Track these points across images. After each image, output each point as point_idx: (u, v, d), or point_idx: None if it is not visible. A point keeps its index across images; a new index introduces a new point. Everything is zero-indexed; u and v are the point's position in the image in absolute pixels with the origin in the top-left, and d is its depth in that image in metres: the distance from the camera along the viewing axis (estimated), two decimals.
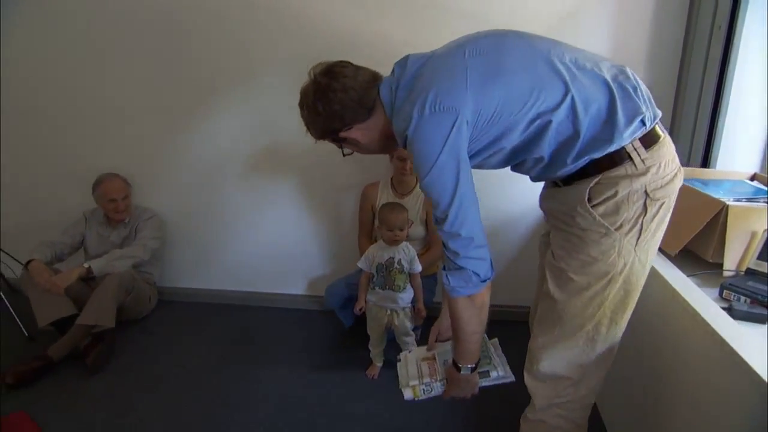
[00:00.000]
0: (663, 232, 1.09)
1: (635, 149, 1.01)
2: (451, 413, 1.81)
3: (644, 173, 1.01)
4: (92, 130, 2.55)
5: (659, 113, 1.06)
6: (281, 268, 2.64)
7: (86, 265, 2.23)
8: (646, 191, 1.02)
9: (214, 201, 2.58)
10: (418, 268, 1.95)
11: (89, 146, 2.59)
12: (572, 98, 1.00)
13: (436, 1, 2.08)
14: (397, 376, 1.38)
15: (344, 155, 1.28)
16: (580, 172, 1.06)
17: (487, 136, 1.05)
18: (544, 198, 1.24)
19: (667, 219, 1.08)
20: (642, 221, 1.03)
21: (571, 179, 1.09)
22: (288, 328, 2.50)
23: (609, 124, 1.00)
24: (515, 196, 2.30)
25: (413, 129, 1.03)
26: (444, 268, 1.11)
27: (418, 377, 1.34)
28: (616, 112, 1.00)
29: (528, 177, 1.20)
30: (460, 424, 1.78)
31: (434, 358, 1.38)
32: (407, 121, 1.04)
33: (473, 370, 1.22)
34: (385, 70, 1.22)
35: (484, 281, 1.09)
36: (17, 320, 2.38)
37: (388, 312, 1.97)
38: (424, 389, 1.32)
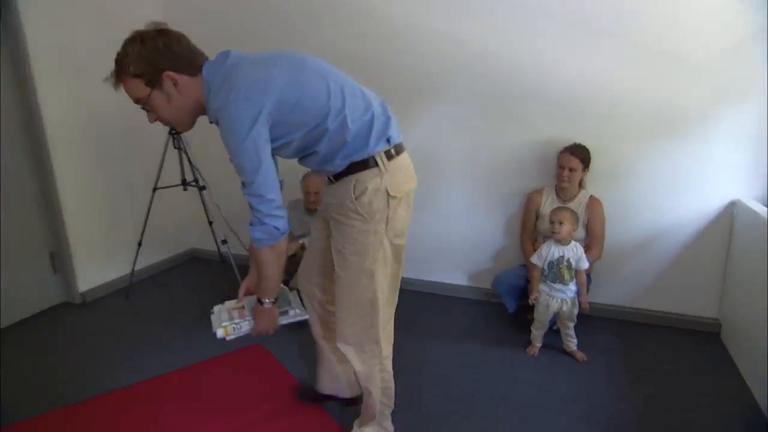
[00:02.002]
0: (404, 220, 1.47)
1: (380, 158, 1.39)
2: (605, 380, 2.08)
3: (384, 175, 1.38)
4: None
5: (401, 139, 1.47)
6: (449, 261, 3.05)
7: (301, 242, 2.82)
8: (387, 190, 1.39)
9: None
10: (585, 265, 2.25)
11: None
12: (344, 115, 1.34)
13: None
14: (211, 323, 1.56)
15: (150, 118, 1.39)
16: (346, 170, 1.39)
17: (283, 127, 1.32)
18: (324, 195, 1.57)
19: (406, 213, 1.47)
20: (388, 212, 1.40)
21: (339, 176, 1.42)
22: (452, 312, 2.89)
23: (366, 138, 1.37)
24: (671, 209, 2.51)
25: (228, 109, 1.25)
26: (251, 225, 1.36)
27: (229, 320, 1.55)
28: (372, 130, 1.37)
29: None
30: (613, 390, 2.04)
31: (243, 307, 1.60)
32: (224, 102, 1.26)
33: (273, 303, 1.49)
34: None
35: (283, 234, 1.36)
36: (238, 281, 3.06)
37: (558, 300, 2.29)
38: (234, 327, 1.53)
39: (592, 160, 2.49)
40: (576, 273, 2.27)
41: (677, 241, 2.55)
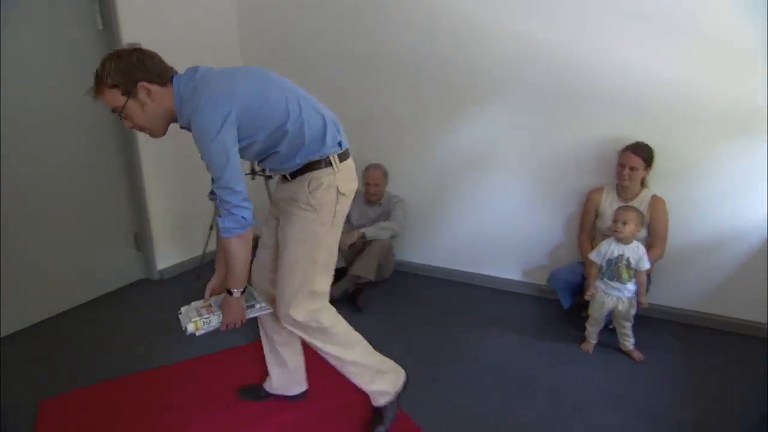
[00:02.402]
0: (344, 214, 1.66)
1: (333, 159, 1.57)
2: (661, 381, 2.07)
3: (337, 174, 1.57)
4: (363, 130, 3.33)
5: (348, 145, 1.65)
6: (504, 255, 3.09)
7: (362, 231, 2.95)
8: (337, 187, 1.57)
9: (449, 194, 3.16)
10: (646, 266, 2.23)
11: (358, 142, 3.36)
12: (302, 120, 1.51)
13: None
14: (180, 322, 1.63)
15: (126, 125, 1.52)
16: (303, 168, 1.57)
17: (248, 129, 1.46)
18: (277, 190, 1.72)
19: (347, 208, 1.66)
20: (336, 206, 1.59)
21: (295, 174, 1.59)
22: (506, 306, 2.93)
23: (321, 141, 1.55)
24: (739, 212, 2.44)
25: (200, 112, 1.39)
26: (219, 217, 1.48)
27: (198, 316, 1.61)
28: (326, 135, 1.56)
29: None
30: (670, 391, 2.02)
31: (210, 305, 1.68)
32: (195, 107, 1.40)
33: (242, 293, 1.59)
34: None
35: (250, 224, 1.48)
36: None
37: (614, 299, 2.29)
38: (204, 321, 1.60)
39: (655, 159, 2.46)
40: (636, 273, 2.26)
41: (744, 246, 2.47)
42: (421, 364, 2.31)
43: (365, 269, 2.86)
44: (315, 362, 2.19)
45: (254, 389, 2.07)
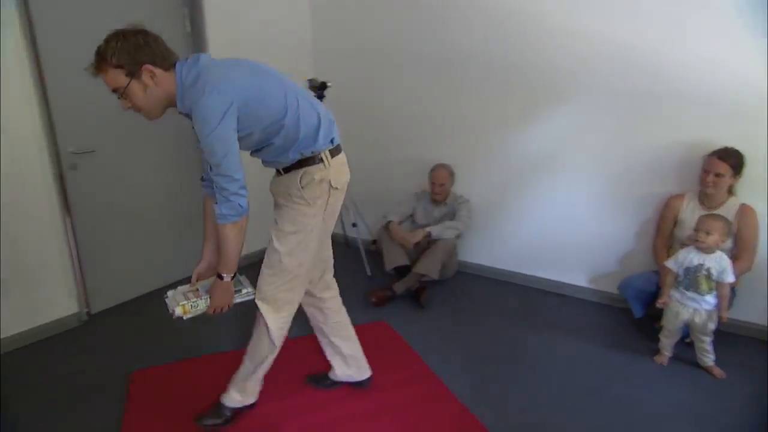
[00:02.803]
0: (338, 207, 1.75)
1: (325, 155, 1.63)
2: (745, 400, 1.95)
3: (329, 169, 1.63)
4: (430, 130, 3.36)
5: (339, 141, 1.70)
6: (570, 260, 3.01)
7: (427, 230, 2.98)
8: (329, 181, 1.64)
9: (515, 195, 3.12)
10: (730, 278, 2.10)
11: (425, 141, 3.41)
12: (298, 115, 1.55)
13: None
14: (167, 306, 1.65)
15: (124, 105, 1.51)
16: (296, 164, 1.62)
17: (247, 120, 1.48)
18: (272, 184, 1.76)
19: (341, 202, 1.74)
20: (327, 199, 1.66)
21: (289, 169, 1.64)
22: (569, 311, 2.86)
23: (314, 137, 1.60)
24: None
25: (203, 100, 1.41)
26: (217, 203, 1.50)
27: (186, 300, 1.62)
28: (319, 131, 1.60)
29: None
30: (753, 412, 1.90)
31: (197, 289, 1.68)
32: (199, 95, 1.41)
33: (232, 278, 1.63)
34: None
35: (245, 212, 1.52)
36: (365, 263, 3.33)
37: (690, 310, 2.18)
38: (191, 305, 1.62)
39: (745, 166, 2.32)
40: (718, 285, 2.14)
41: None
42: (484, 363, 2.32)
43: (430, 268, 2.89)
44: (381, 356, 2.27)
45: (321, 377, 2.14)
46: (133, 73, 1.43)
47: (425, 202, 3.25)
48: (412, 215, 3.29)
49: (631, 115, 2.65)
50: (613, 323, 2.70)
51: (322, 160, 1.63)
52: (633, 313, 2.55)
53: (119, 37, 1.42)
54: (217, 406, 1.88)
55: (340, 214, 3.73)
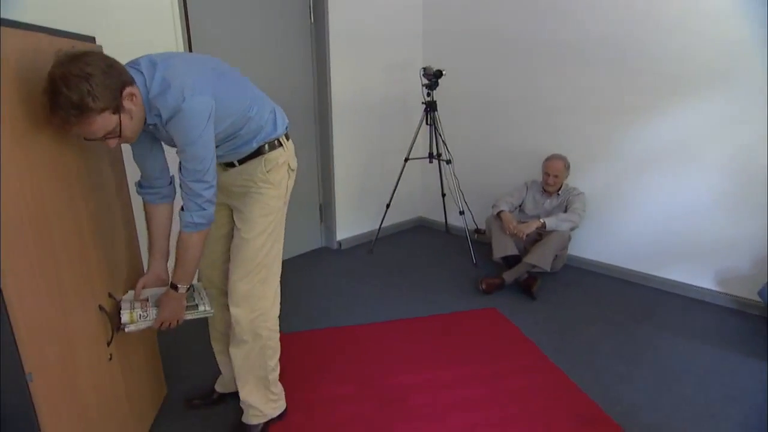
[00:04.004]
0: (291, 190, 1.72)
1: (283, 140, 1.65)
2: None
3: (287, 153, 1.66)
4: (543, 119, 3.30)
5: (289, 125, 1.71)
6: (692, 259, 2.85)
7: (542, 221, 2.94)
8: (288, 164, 1.66)
9: (633, 189, 2.98)
10: None
11: (536, 133, 3.35)
12: (260, 105, 1.57)
13: None
14: (120, 313, 1.52)
15: (112, 144, 1.28)
16: (256, 152, 1.59)
17: (222, 115, 1.42)
18: (227, 177, 1.65)
19: (293, 183, 1.72)
20: (287, 181, 1.67)
21: (246, 159, 1.60)
22: (694, 313, 2.70)
23: (274, 124, 1.63)
24: None
25: (187, 104, 1.29)
26: (188, 210, 1.41)
27: (135, 308, 1.53)
28: (276, 119, 1.64)
29: None
30: None
31: (146, 299, 1.58)
32: (179, 99, 1.29)
33: (187, 290, 1.52)
34: None
35: (211, 221, 1.46)
36: (471, 251, 3.35)
37: None
38: (140, 314, 1.52)
39: None
40: None
41: None
42: (604, 361, 2.26)
43: (542, 259, 2.85)
44: (497, 344, 2.26)
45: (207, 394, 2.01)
46: (119, 108, 1.23)
47: (536, 193, 3.20)
48: (520, 205, 3.25)
49: None
50: (748, 330, 2.51)
51: (281, 144, 1.64)
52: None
53: (81, 77, 1.12)
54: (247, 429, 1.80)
55: (443, 200, 3.82)
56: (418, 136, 3.49)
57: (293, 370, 2.15)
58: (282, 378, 1.84)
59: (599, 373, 2.15)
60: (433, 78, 3.26)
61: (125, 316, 1.50)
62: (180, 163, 1.38)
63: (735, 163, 2.61)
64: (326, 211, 3.63)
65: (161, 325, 1.53)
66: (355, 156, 3.62)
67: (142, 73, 1.30)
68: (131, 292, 1.61)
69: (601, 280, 3.12)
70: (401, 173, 3.51)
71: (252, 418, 1.77)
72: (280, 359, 1.79)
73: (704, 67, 2.61)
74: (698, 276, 2.85)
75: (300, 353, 2.29)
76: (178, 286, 1.49)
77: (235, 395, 1.83)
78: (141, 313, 1.52)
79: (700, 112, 2.68)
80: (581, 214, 2.98)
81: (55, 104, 1.13)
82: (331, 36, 3.22)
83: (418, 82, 3.46)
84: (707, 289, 2.83)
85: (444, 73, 3.24)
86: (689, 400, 1.98)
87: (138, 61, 1.33)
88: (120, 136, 1.26)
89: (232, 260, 1.64)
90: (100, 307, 1.46)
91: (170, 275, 1.56)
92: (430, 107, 3.38)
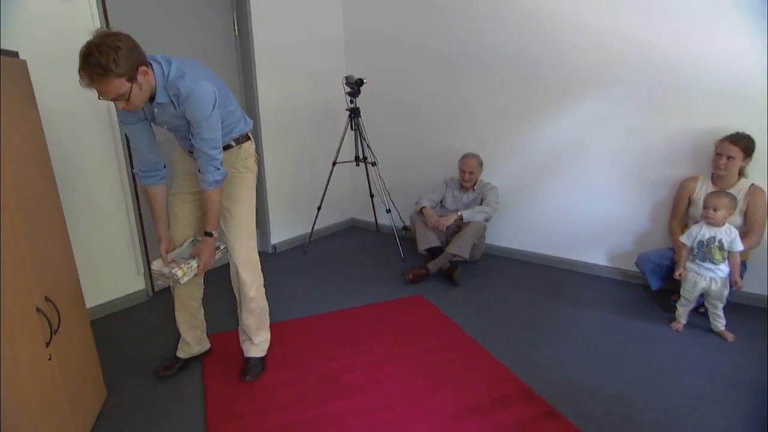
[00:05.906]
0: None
1: (250, 133, 2.07)
2: (754, 357, 2.17)
3: (253, 145, 2.07)
4: (458, 122, 3.62)
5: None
6: (590, 241, 3.26)
7: (460, 213, 3.23)
8: (255, 154, 2.07)
9: (540, 183, 3.37)
10: (739, 247, 2.33)
11: (452, 135, 3.66)
12: (234, 104, 1.94)
13: None
14: (163, 275, 1.87)
15: (119, 105, 1.62)
16: (235, 140, 1.98)
17: (220, 108, 1.80)
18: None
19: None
20: (256, 167, 2.08)
21: (229, 147, 1.97)
22: (592, 287, 3.10)
23: (244, 119, 2.03)
24: None
25: (199, 89, 1.68)
26: (208, 173, 1.79)
27: (177, 267, 1.86)
28: (244, 115, 2.04)
29: None
30: (762, 365, 2.13)
31: (174, 260, 1.92)
32: (193, 85, 1.67)
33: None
34: None
35: (225, 177, 1.85)
36: (399, 246, 3.59)
37: (707, 279, 2.41)
38: (188, 268, 1.88)
39: (757, 151, 2.53)
40: (729, 255, 2.37)
41: None
42: (516, 331, 2.56)
43: (462, 248, 3.14)
44: (422, 324, 2.48)
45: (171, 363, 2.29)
46: (133, 78, 1.55)
47: (454, 189, 3.50)
48: (441, 201, 3.54)
49: (646, 107, 2.88)
50: (632, 296, 2.94)
51: (249, 138, 2.07)
52: (650, 285, 2.78)
53: (112, 47, 1.47)
54: (256, 361, 2.19)
55: (372, 201, 4.04)
56: (344, 140, 3.69)
57: (236, 364, 2.26)
58: (226, 370, 2.08)
59: (510, 343, 2.44)
60: (355, 86, 3.48)
61: (179, 272, 1.84)
62: (195, 139, 1.74)
63: (614, 156, 3.05)
64: (259, 215, 3.73)
65: (205, 266, 1.92)
66: (284, 161, 3.76)
67: (160, 63, 1.67)
68: (158, 261, 1.94)
69: (515, 265, 3.48)
70: (330, 177, 3.70)
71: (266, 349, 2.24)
72: (223, 355, 2.00)
73: (583, 74, 3.04)
74: (594, 255, 3.27)
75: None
76: (212, 232, 1.91)
77: (197, 358, 2.29)
78: (184, 267, 1.86)
79: (588, 112, 3.10)
80: (495, 206, 3.31)
81: (87, 63, 1.46)
82: (256, 48, 3.36)
83: (342, 90, 3.67)
84: (602, 266, 3.26)
85: (365, 81, 3.47)
86: (585, 356, 2.31)
87: (155, 56, 1.68)
88: (128, 100, 1.58)
89: (231, 234, 2.01)
90: (38, 309, 1.52)
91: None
92: (354, 113, 3.60)
